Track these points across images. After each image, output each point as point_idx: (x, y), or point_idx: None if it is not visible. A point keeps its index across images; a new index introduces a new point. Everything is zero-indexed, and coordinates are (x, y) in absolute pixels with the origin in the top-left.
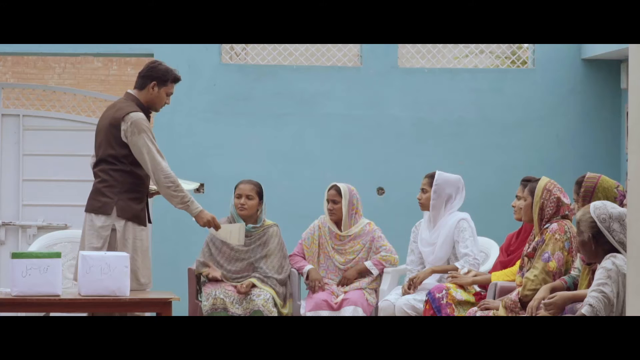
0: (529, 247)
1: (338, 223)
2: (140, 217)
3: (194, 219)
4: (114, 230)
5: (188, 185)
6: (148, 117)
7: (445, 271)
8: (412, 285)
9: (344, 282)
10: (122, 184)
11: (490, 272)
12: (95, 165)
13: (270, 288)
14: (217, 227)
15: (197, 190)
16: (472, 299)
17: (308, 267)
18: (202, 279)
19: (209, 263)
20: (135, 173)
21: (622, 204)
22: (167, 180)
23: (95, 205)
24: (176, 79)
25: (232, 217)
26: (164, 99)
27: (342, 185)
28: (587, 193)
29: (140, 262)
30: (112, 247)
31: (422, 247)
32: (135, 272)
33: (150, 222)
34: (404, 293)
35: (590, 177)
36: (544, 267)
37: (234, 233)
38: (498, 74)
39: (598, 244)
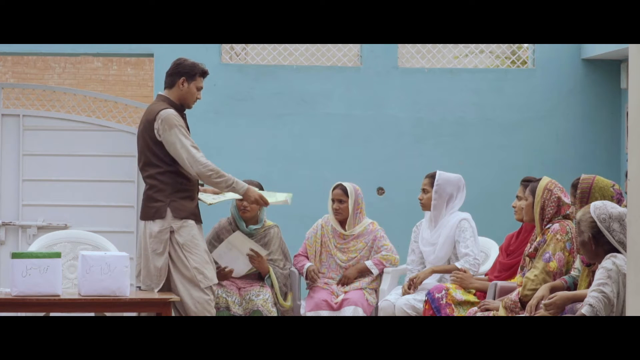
0: (530, 247)
1: (342, 222)
2: (196, 215)
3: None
4: (172, 232)
5: (279, 197)
6: (183, 115)
7: (445, 271)
8: (412, 285)
9: (344, 280)
10: (171, 185)
11: (488, 272)
12: (141, 171)
13: (275, 284)
14: (265, 203)
15: None
16: (472, 298)
17: (307, 264)
18: None
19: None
20: (181, 172)
21: (619, 203)
22: (206, 170)
23: (150, 212)
24: (204, 73)
25: (232, 218)
26: (195, 94)
27: (347, 185)
28: (583, 194)
29: (208, 258)
30: (175, 249)
31: (422, 247)
32: (207, 265)
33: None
34: (404, 293)
35: (585, 178)
36: (545, 267)
37: (279, 198)
38: (498, 74)
39: (598, 244)
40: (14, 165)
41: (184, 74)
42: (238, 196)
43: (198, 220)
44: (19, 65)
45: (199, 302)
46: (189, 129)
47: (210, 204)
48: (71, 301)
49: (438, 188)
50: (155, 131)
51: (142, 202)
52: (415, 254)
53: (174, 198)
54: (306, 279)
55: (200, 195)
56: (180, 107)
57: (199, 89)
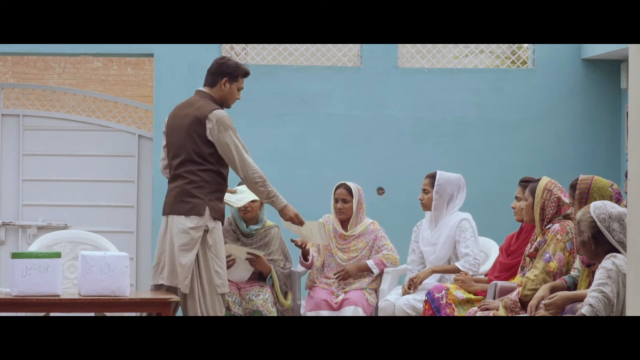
0: (531, 247)
1: (344, 222)
2: (224, 217)
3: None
4: (206, 231)
5: (313, 231)
6: None
7: (445, 271)
8: (412, 285)
9: (343, 274)
10: (210, 184)
11: (488, 272)
12: (178, 166)
13: (276, 282)
14: (301, 223)
15: None
16: (473, 296)
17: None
18: None
19: None
20: (221, 173)
21: (618, 202)
22: (255, 176)
23: (185, 207)
24: (246, 74)
25: (232, 219)
26: (235, 95)
27: (351, 185)
28: (582, 195)
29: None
30: (203, 248)
31: (423, 247)
32: (221, 273)
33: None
34: (404, 293)
35: (584, 178)
36: (545, 267)
37: (314, 232)
38: (498, 74)
39: (598, 243)
40: (14, 165)
41: (227, 74)
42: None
43: (223, 222)
44: (19, 65)
45: (211, 309)
46: None
47: (237, 208)
48: (71, 301)
49: (439, 188)
50: (208, 130)
51: (173, 195)
52: (415, 254)
53: (211, 197)
54: (304, 258)
55: (226, 197)
56: (220, 106)
57: (240, 89)
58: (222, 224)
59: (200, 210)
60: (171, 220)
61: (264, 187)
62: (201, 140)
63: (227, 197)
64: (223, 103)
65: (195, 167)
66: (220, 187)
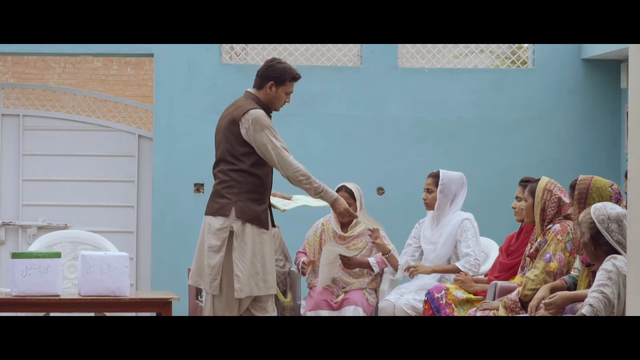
0: (531, 248)
1: (345, 223)
2: (261, 219)
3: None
4: (232, 232)
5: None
6: (269, 117)
7: (445, 271)
8: (411, 270)
9: (346, 260)
10: (242, 184)
11: (488, 272)
12: (215, 166)
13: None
14: (353, 216)
15: (197, 190)
16: (473, 297)
17: (302, 258)
18: None
19: None
20: (255, 173)
21: (618, 202)
22: (298, 174)
23: (214, 207)
24: (295, 78)
25: None
26: (283, 99)
27: (352, 187)
28: (581, 195)
29: (260, 267)
30: (229, 250)
31: (424, 245)
32: (255, 276)
33: (274, 225)
34: (408, 269)
35: (583, 179)
36: (545, 267)
37: (366, 220)
38: (498, 74)
39: (598, 244)
40: (14, 165)
41: (273, 78)
42: (310, 203)
43: (262, 226)
44: (19, 65)
45: (227, 312)
46: None
47: (283, 210)
48: (71, 301)
49: (443, 188)
50: (245, 130)
51: (210, 195)
52: (410, 248)
53: (241, 198)
54: (300, 271)
55: (273, 201)
56: (267, 108)
57: (288, 93)
58: (262, 227)
59: (226, 211)
60: (204, 221)
61: (309, 184)
62: (236, 139)
63: (275, 200)
64: (270, 106)
65: (227, 166)
66: (255, 188)
